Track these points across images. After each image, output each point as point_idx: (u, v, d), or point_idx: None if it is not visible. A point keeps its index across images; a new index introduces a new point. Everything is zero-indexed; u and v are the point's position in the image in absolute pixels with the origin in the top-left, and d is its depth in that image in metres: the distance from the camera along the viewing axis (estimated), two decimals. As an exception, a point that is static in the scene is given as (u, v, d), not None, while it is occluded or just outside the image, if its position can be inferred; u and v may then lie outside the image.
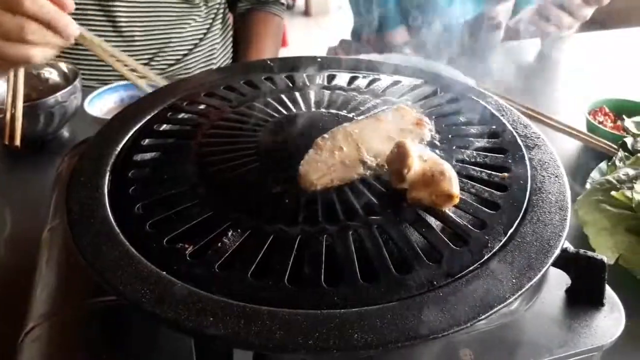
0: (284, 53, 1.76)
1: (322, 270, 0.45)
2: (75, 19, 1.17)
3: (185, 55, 1.34)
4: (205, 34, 1.37)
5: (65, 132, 1.04)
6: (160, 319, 0.41)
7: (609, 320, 0.51)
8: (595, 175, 0.84)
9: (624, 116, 1.00)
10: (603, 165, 0.86)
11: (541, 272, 0.45)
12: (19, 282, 0.70)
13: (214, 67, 1.42)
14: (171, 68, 1.33)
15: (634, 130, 0.93)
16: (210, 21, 1.38)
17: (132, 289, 0.43)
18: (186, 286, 0.43)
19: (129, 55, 1.24)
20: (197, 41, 1.36)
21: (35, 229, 0.78)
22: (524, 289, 0.43)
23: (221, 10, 1.42)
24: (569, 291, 0.54)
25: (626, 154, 0.84)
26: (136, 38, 1.27)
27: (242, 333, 0.39)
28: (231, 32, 1.51)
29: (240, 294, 0.43)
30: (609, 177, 0.77)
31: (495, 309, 0.42)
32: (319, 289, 0.44)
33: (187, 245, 0.48)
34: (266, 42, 1.42)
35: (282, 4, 1.49)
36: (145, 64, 1.29)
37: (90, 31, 1.17)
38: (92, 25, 1.22)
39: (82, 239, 0.48)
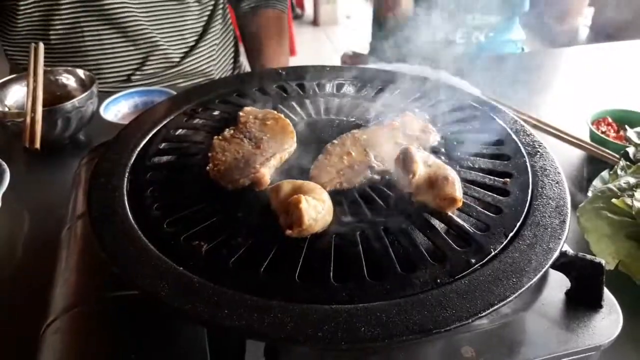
0: (292, 62, 1.79)
1: (331, 268, 0.47)
2: (68, 15, 1.22)
3: (180, 59, 1.36)
4: (201, 35, 1.38)
5: (82, 136, 1.07)
6: (178, 311, 0.44)
7: (607, 322, 0.53)
8: (597, 183, 0.86)
9: (626, 126, 1.02)
10: (605, 173, 0.88)
11: (541, 273, 0.47)
12: (36, 279, 0.73)
13: (214, 71, 1.44)
14: (167, 73, 1.35)
15: (636, 140, 0.95)
16: (205, 19, 1.39)
17: (152, 283, 0.45)
18: (202, 281, 0.46)
19: (120, 59, 1.29)
20: (192, 45, 1.38)
21: (52, 228, 0.81)
22: (524, 288, 0.46)
23: (219, 12, 1.43)
24: (568, 293, 0.56)
25: (628, 163, 0.86)
26: (125, 39, 1.29)
27: (256, 325, 0.42)
28: (232, 36, 1.53)
29: (253, 289, 0.45)
30: (611, 185, 0.78)
31: (496, 307, 0.44)
32: (328, 286, 0.46)
33: (202, 243, 0.50)
34: (280, 42, 1.45)
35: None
36: (136, 69, 1.32)
37: (81, 29, 1.22)
38: (84, 22, 1.25)
39: (103, 236, 0.51)
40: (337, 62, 1.84)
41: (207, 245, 0.50)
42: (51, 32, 1.25)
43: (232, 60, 1.52)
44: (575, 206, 0.75)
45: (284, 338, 0.42)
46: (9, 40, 1.30)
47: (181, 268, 0.47)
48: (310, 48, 4.43)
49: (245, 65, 1.57)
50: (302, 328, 0.42)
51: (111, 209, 0.54)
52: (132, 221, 0.53)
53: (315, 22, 5.06)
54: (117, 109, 1.06)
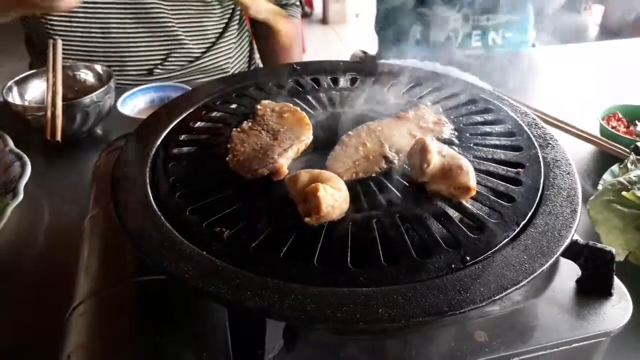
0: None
1: (349, 253, 0.49)
2: (95, 7, 1.24)
3: (200, 56, 1.39)
4: (221, 33, 1.42)
5: (99, 130, 1.09)
6: (202, 293, 0.45)
7: (617, 309, 0.54)
8: (607, 177, 0.87)
9: (636, 122, 1.03)
10: (615, 167, 0.89)
11: (552, 259, 0.48)
12: (57, 267, 0.75)
13: (230, 68, 1.47)
14: (186, 68, 1.38)
15: (646, 135, 0.96)
16: (225, 21, 1.42)
17: (177, 266, 0.47)
18: (225, 264, 0.47)
19: (144, 53, 1.31)
20: (212, 42, 1.40)
21: (71, 218, 0.83)
22: (536, 274, 0.47)
23: (237, 12, 1.46)
24: (579, 281, 0.57)
25: (638, 157, 0.87)
26: (151, 35, 1.31)
27: (277, 306, 0.44)
28: (247, 34, 1.56)
29: (273, 273, 0.47)
30: (620, 179, 0.80)
31: (509, 291, 0.45)
32: (345, 270, 0.47)
33: (224, 229, 0.52)
34: (293, 48, 1.48)
35: (298, 5, 1.54)
36: (158, 63, 1.34)
37: (107, 22, 1.24)
38: (111, 16, 1.27)
39: (128, 222, 0.53)
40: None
41: (228, 232, 0.51)
42: (75, 23, 1.27)
43: (247, 58, 1.55)
44: (585, 199, 0.76)
45: (304, 318, 0.43)
46: (32, 29, 1.33)
47: (204, 252, 0.49)
48: (320, 46, 4.44)
49: (259, 64, 1.60)
50: (321, 309, 0.43)
51: (135, 197, 0.56)
52: (156, 208, 0.55)
53: (324, 21, 5.08)
54: (134, 104, 1.08)
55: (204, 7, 1.35)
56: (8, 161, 0.88)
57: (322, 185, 0.51)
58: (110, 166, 0.62)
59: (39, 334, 0.66)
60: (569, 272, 0.58)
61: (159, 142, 0.66)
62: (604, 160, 0.97)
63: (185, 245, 0.50)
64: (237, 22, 1.46)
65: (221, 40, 1.41)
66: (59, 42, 1.07)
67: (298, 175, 0.55)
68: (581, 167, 0.98)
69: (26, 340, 0.67)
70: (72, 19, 1.26)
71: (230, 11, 1.43)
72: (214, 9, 1.37)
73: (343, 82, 0.80)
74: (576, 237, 0.54)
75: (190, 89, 1.00)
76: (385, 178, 0.58)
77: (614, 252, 0.54)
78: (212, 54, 1.40)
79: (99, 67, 1.12)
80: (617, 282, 0.56)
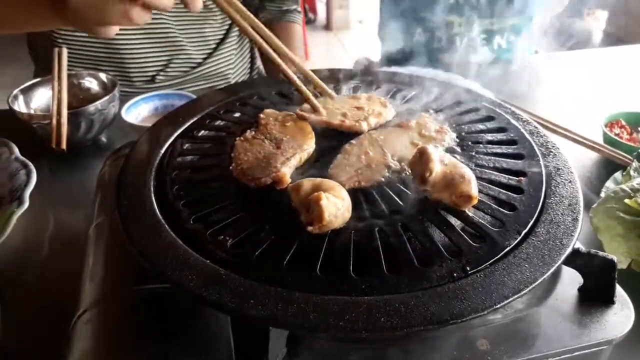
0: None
1: (351, 262, 0.49)
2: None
3: (201, 62, 1.39)
4: (222, 39, 1.42)
5: (103, 138, 1.10)
6: (206, 301, 0.46)
7: (619, 317, 0.55)
8: (610, 184, 0.87)
9: (639, 129, 1.03)
10: (618, 175, 0.89)
11: (554, 268, 0.49)
12: (63, 275, 0.75)
13: (232, 74, 1.47)
14: (188, 75, 1.39)
15: (649, 142, 0.96)
16: (226, 27, 1.43)
17: (180, 274, 0.48)
18: (228, 273, 0.48)
19: (146, 60, 1.31)
20: (213, 48, 1.41)
21: (76, 226, 0.84)
22: (537, 282, 0.47)
23: None
24: (581, 289, 0.57)
25: (640, 164, 0.87)
26: (153, 41, 1.32)
27: (280, 314, 0.44)
28: (248, 42, 1.56)
29: (276, 281, 0.47)
30: (623, 186, 0.80)
31: (511, 299, 0.46)
32: (348, 278, 0.48)
33: (227, 238, 0.52)
34: (294, 53, 1.49)
35: (299, 12, 1.56)
36: (160, 70, 1.35)
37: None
38: None
39: (132, 231, 0.53)
40: (350, 67, 1.85)
41: (232, 240, 0.52)
42: (79, 31, 1.28)
43: (249, 65, 1.56)
44: (588, 207, 0.76)
45: (307, 327, 0.44)
46: (35, 36, 1.33)
47: (208, 261, 0.49)
48: (323, 53, 4.46)
49: (262, 70, 1.61)
50: (324, 317, 0.44)
51: (139, 206, 0.57)
52: (160, 217, 0.55)
53: (327, 27, 5.09)
54: (138, 112, 1.08)
55: (204, 13, 1.35)
56: (13, 169, 0.89)
57: (324, 194, 0.52)
58: (115, 174, 0.63)
59: (44, 341, 0.66)
60: (571, 280, 0.58)
61: (163, 151, 0.66)
62: (607, 167, 0.97)
63: (189, 254, 0.50)
64: (238, 29, 1.46)
65: (222, 47, 1.42)
66: (64, 51, 1.08)
67: (301, 184, 0.55)
68: (584, 174, 0.98)
69: (31, 347, 0.67)
70: None
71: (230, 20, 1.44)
72: (215, 15, 1.38)
73: (345, 90, 0.81)
74: (578, 245, 0.54)
75: (193, 96, 1.01)
76: (388, 186, 0.59)
77: (615, 260, 0.54)
78: (213, 60, 1.41)
79: (103, 76, 1.12)
80: (619, 290, 0.56)
